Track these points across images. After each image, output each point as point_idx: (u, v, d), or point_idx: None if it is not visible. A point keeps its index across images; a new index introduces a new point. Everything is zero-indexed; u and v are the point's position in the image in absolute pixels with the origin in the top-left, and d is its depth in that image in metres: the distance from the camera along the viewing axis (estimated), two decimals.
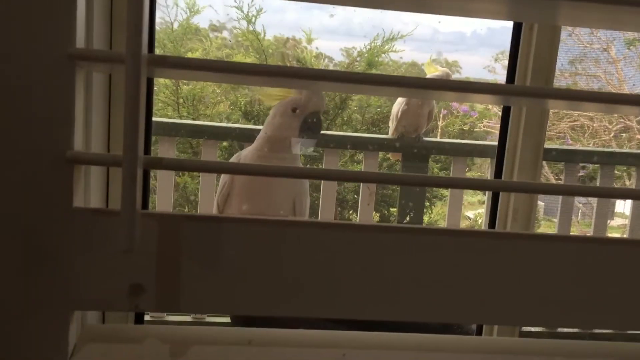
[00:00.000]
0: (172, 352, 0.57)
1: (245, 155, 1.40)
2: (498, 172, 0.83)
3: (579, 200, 4.23)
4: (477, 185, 0.59)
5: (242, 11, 2.95)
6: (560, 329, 1.91)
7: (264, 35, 3.08)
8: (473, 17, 0.62)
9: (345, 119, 3.39)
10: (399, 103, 2.37)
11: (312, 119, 1.40)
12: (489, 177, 2.32)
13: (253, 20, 3.00)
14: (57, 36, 0.48)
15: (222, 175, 1.43)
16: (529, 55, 0.77)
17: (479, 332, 0.88)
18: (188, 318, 2.04)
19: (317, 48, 3.61)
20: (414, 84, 0.53)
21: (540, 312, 0.60)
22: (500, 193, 0.82)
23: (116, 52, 0.50)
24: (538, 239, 0.58)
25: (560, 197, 2.33)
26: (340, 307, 0.56)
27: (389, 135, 2.41)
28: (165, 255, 0.54)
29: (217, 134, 2.29)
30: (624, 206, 4.91)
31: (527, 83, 0.76)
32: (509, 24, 0.81)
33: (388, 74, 0.50)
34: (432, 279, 0.57)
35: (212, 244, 0.54)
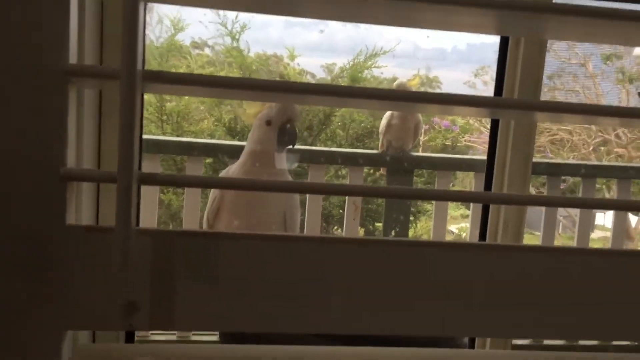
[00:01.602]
0: None
1: (233, 170, 1.41)
2: (487, 186, 0.84)
3: (559, 214, 4.28)
4: (480, 198, 0.59)
5: (227, 27, 2.96)
6: (550, 341, 1.92)
7: (248, 52, 3.10)
8: (461, 31, 0.63)
9: (329, 134, 3.41)
10: (386, 117, 2.39)
11: (286, 128, 1.41)
12: (473, 191, 2.34)
13: (237, 36, 3.01)
14: (52, 53, 0.48)
15: (212, 190, 1.43)
16: (516, 70, 0.78)
17: (472, 345, 0.88)
18: (173, 337, 2.01)
19: (298, 64, 3.63)
20: (405, 98, 0.53)
21: (534, 324, 0.60)
22: (490, 206, 0.82)
23: (111, 68, 0.49)
24: (530, 251, 0.59)
25: (543, 211, 2.35)
26: (337, 323, 0.56)
27: (379, 150, 2.42)
28: (160, 272, 0.53)
29: (201, 150, 2.28)
30: (603, 219, 4.97)
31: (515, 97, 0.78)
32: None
33: (378, 88, 0.51)
34: (426, 293, 0.57)
35: (207, 261, 0.54)
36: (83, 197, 0.63)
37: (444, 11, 0.55)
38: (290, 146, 1.43)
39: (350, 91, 0.49)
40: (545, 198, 0.71)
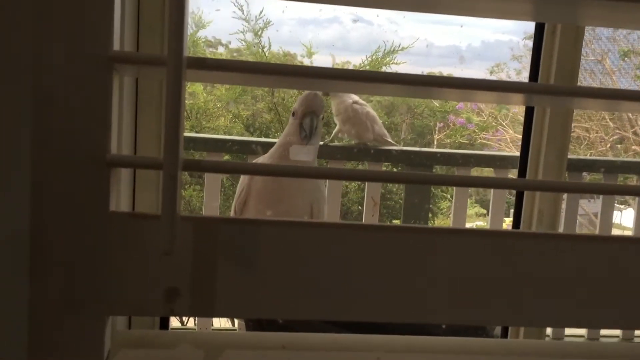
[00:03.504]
0: (207, 357, 0.57)
1: (261, 162, 1.41)
2: None
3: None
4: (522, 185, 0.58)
5: (249, 23, 2.96)
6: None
7: (270, 47, 3.09)
8: (495, 17, 0.62)
9: None
10: None
11: (306, 120, 1.41)
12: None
13: (260, 33, 3.01)
14: (97, 39, 0.48)
15: (240, 182, 1.43)
16: (552, 60, 0.77)
17: (505, 334, 0.87)
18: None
19: (311, 62, 3.63)
20: (445, 84, 0.53)
21: (570, 313, 0.59)
22: (525, 196, 0.81)
23: (156, 55, 0.50)
24: (564, 239, 0.58)
25: (564, 208, 2.33)
26: (377, 311, 0.56)
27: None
28: (202, 258, 0.53)
29: (220, 146, 2.30)
30: (620, 217, 4.93)
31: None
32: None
33: (415, 74, 0.50)
34: (460, 282, 0.56)
35: (249, 248, 0.54)
36: (121, 184, 0.63)
37: None
38: (307, 140, 1.41)
39: (398, 77, 0.48)
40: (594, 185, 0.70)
